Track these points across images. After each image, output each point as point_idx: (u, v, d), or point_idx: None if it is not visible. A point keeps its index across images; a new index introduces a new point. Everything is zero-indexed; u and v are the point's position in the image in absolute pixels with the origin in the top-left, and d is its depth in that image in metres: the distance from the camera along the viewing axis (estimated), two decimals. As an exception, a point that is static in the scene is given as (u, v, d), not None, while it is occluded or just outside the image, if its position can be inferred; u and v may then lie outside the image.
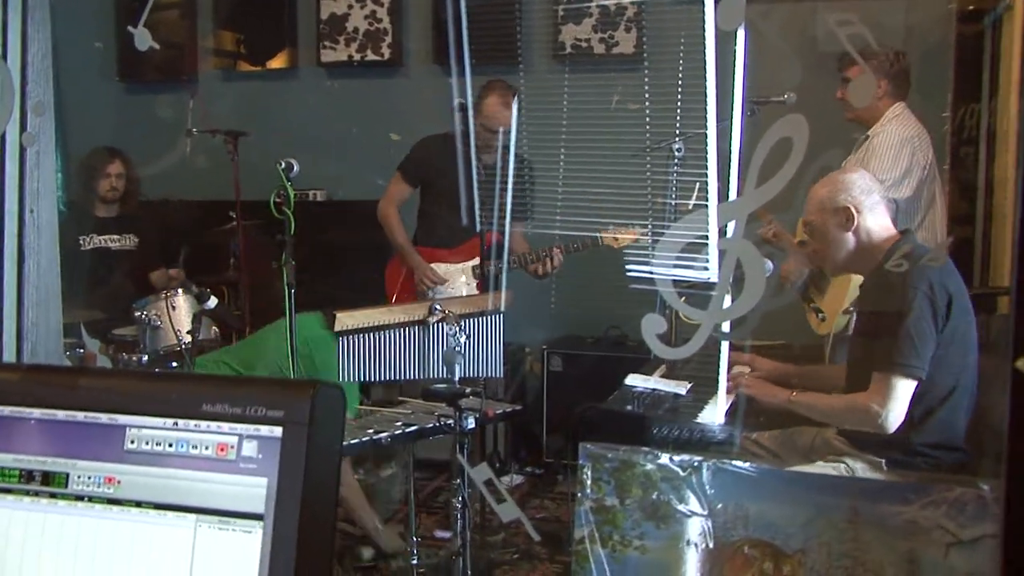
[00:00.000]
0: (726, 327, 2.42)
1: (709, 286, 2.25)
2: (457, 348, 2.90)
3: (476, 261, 4.16)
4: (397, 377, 3.07)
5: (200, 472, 1.07)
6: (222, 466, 1.06)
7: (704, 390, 3.09)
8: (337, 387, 1.09)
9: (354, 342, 2.95)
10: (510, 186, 3.84)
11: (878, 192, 2.81)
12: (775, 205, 1.45)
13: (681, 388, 3.11)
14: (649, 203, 3.67)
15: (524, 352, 4.88)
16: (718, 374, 2.92)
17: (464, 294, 4.16)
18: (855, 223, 2.74)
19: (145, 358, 3.45)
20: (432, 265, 4.24)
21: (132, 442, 1.09)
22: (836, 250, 2.77)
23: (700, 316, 1.51)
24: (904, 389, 2.56)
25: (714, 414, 2.88)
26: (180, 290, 3.52)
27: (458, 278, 4.26)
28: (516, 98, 4.00)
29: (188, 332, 3.34)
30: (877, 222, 2.76)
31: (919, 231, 3.43)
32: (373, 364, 2.99)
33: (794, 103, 3.61)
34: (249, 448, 1.05)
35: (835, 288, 3.33)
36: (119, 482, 1.09)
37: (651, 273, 2.22)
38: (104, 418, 1.10)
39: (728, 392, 2.94)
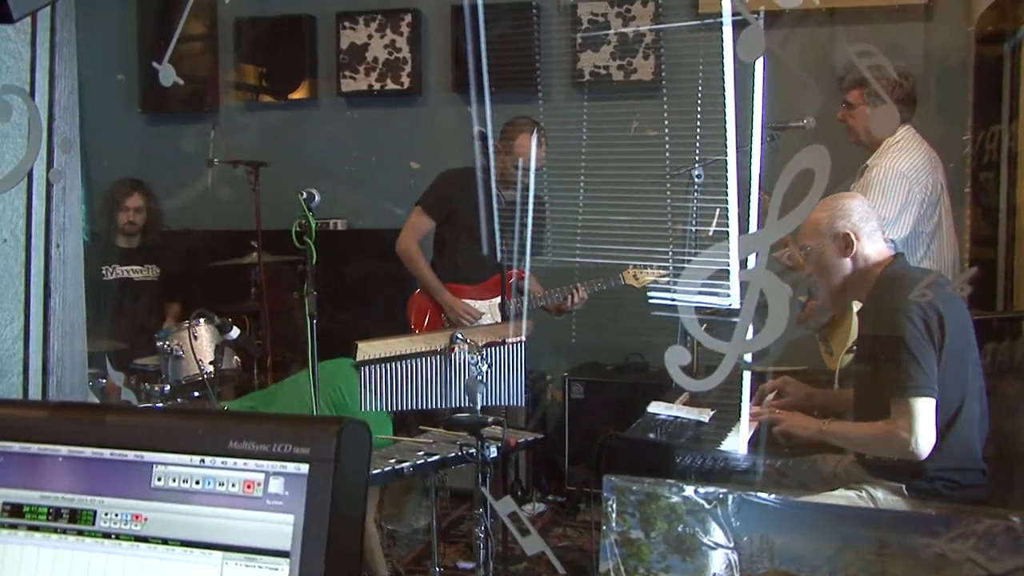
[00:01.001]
0: (748, 357, 2.42)
1: (731, 312, 2.24)
2: (479, 377, 2.92)
3: (498, 298, 4.17)
4: (419, 406, 3.07)
5: (227, 509, 1.07)
6: (249, 503, 1.06)
7: (727, 418, 3.07)
8: (362, 423, 1.09)
9: (375, 371, 2.95)
10: (530, 223, 3.85)
11: (876, 219, 2.80)
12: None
13: (704, 416, 3.09)
14: (669, 230, 3.68)
15: (545, 380, 4.88)
16: (741, 402, 2.91)
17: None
18: (854, 250, 2.73)
19: (167, 388, 3.47)
20: (463, 301, 4.25)
21: (159, 479, 1.10)
22: (833, 276, 2.76)
23: (723, 347, 1.50)
24: (925, 409, 2.54)
25: (737, 442, 2.86)
26: (202, 320, 3.54)
27: (485, 312, 4.27)
28: (539, 132, 4.03)
29: (211, 362, 3.36)
30: (874, 248, 2.76)
31: (923, 264, 3.39)
32: (394, 393, 2.99)
33: (814, 127, 3.63)
34: (276, 485, 1.05)
35: (843, 325, 3.31)
36: (146, 519, 1.10)
37: (673, 301, 2.21)
38: (131, 455, 1.11)
39: (752, 419, 2.92)
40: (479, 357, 2.95)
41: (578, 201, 3.96)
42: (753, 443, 2.90)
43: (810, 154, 1.31)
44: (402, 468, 2.88)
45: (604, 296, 4.28)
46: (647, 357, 4.67)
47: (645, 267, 4.01)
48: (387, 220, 4.76)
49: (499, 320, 4.16)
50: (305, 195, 3.01)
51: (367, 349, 2.94)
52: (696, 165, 3.64)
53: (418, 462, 2.92)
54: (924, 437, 2.54)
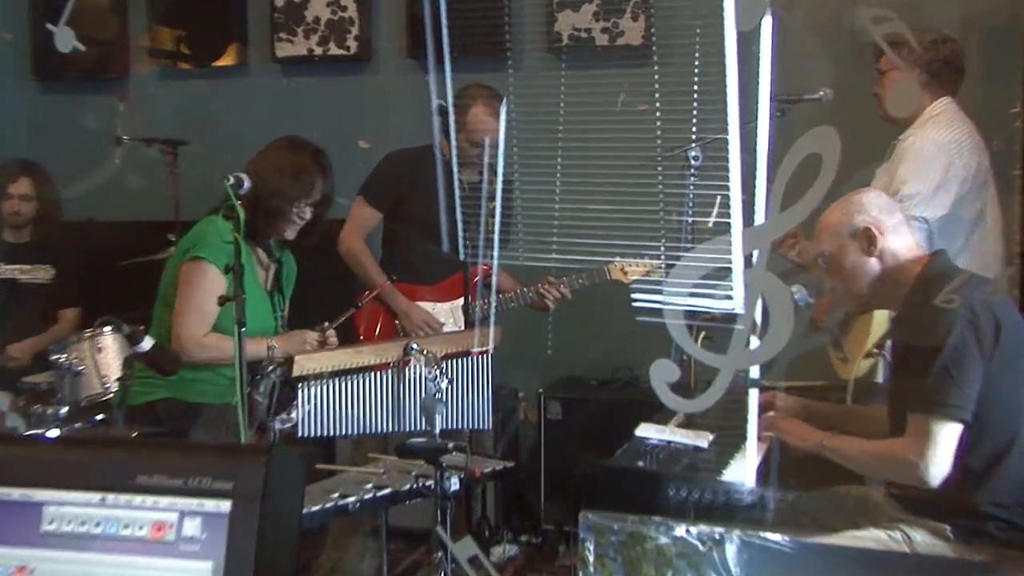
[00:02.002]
0: (755, 371, 2.44)
1: (734, 318, 2.26)
2: (437, 395, 2.93)
3: (462, 300, 4.16)
4: (366, 430, 3.08)
5: (132, 557, 1.06)
6: (159, 549, 1.05)
7: (730, 443, 3.09)
8: (296, 453, 1.09)
9: (314, 389, 2.95)
10: (498, 210, 3.85)
11: (900, 212, 2.83)
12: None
13: (702, 440, 3.11)
14: (661, 222, 3.69)
15: (517, 398, 4.88)
16: (746, 424, 2.92)
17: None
18: (878, 246, 2.76)
19: (64, 411, 3.43)
20: (417, 304, 4.25)
21: (50, 522, 1.08)
22: (859, 280, 2.79)
23: (717, 361, 1.52)
24: (946, 435, 2.54)
25: (742, 472, 2.87)
26: (108, 329, 3.51)
27: (443, 320, 4.27)
28: (504, 103, 4.03)
29: (118, 379, 3.34)
30: (902, 243, 2.78)
31: (962, 257, 3.37)
32: (338, 415, 2.99)
33: (831, 101, 3.65)
34: (191, 527, 1.05)
35: (859, 325, 3.33)
36: (32, 571, 1.08)
37: (663, 304, 2.24)
38: (16, 494, 1.09)
39: (761, 442, 2.95)
40: (438, 371, 2.96)
41: (555, 186, 3.96)
42: (762, 473, 2.91)
43: (816, 137, 1.32)
44: (346, 504, 2.86)
45: (587, 297, 4.30)
46: (638, 370, 4.68)
47: (636, 260, 4.03)
48: (333, 209, 4.76)
49: (461, 327, 4.16)
50: (233, 180, 3.00)
51: (305, 362, 2.95)
52: (693, 145, 3.64)
53: (365, 497, 2.90)
54: (937, 464, 2.53)
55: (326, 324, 3.50)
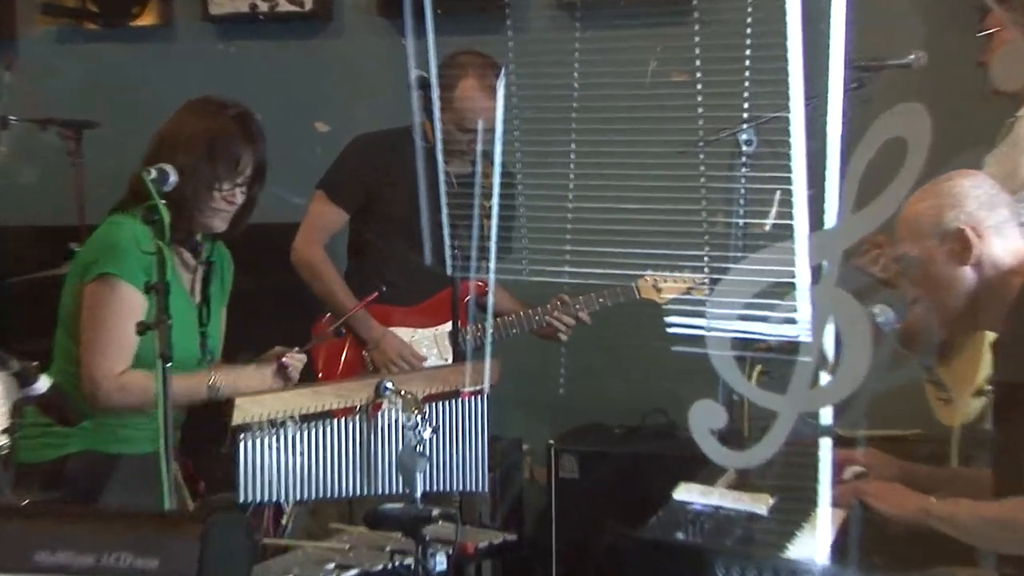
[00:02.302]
0: (827, 415, 2.45)
1: (797, 348, 2.28)
2: (419, 449, 2.92)
3: (449, 326, 4.17)
4: (327, 494, 3.08)
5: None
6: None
7: (796, 509, 3.08)
8: (240, 524, 1.10)
9: (260, 442, 2.95)
10: (495, 211, 3.86)
11: (1007, 206, 2.82)
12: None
13: (760, 506, 3.11)
14: (704, 225, 3.69)
15: (521, 451, 4.91)
16: (817, 484, 2.92)
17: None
18: (975, 252, 2.76)
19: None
20: (391, 330, 4.27)
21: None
22: (948, 295, 2.79)
23: (777, 404, 1.54)
24: None
25: (813, 547, 2.87)
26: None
27: (425, 351, 4.30)
28: (502, 75, 4.04)
29: (4, 430, 3.34)
30: (1007, 247, 2.78)
31: None
32: (291, 476, 2.99)
33: (923, 67, 3.66)
34: (106, 617, 1.05)
35: (965, 354, 3.33)
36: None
37: (706, 330, 2.26)
38: None
39: (836, 505, 2.94)
40: (419, 417, 2.95)
41: (567, 181, 3.96)
42: (838, 549, 2.88)
43: (900, 117, 1.33)
44: (304, 588, 2.87)
45: (609, 321, 4.31)
46: (675, 415, 4.69)
47: (673, 274, 4.05)
48: (280, 211, 4.75)
49: (449, 359, 4.16)
50: (155, 173, 3.00)
51: (248, 406, 2.94)
52: (744, 127, 3.66)
53: (327, 579, 2.91)
54: None
55: (297, 349, 3.49)
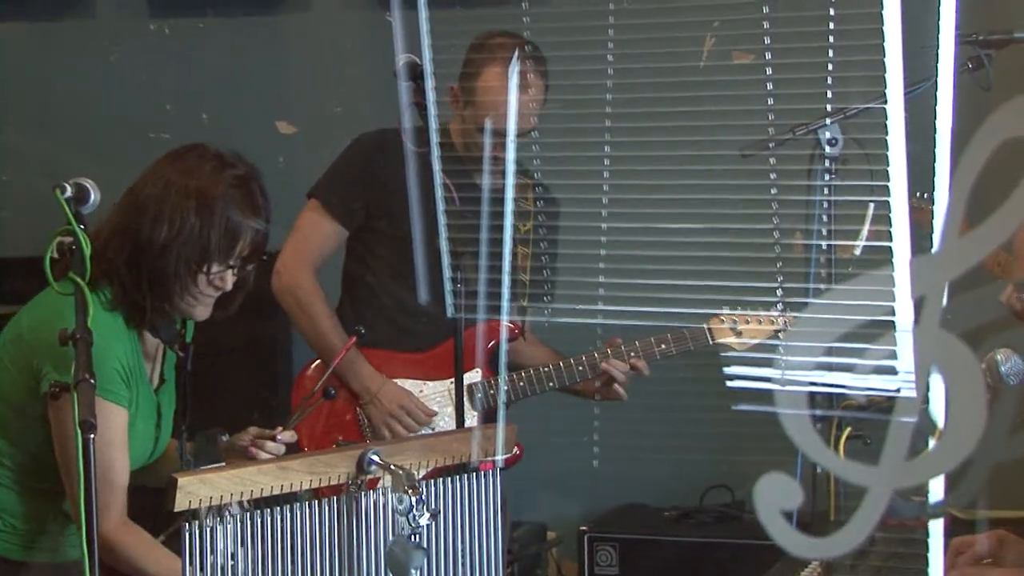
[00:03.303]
0: (936, 491, 2.45)
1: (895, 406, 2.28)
2: (415, 539, 2.92)
3: (476, 375, 4.19)
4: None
5: None
6: None
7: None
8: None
9: (213, 533, 2.92)
10: (507, 238, 3.86)
11: None
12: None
13: (852, 608, 3.11)
14: (776, 248, 3.69)
15: (545, 541, 4.91)
16: (926, 576, 2.93)
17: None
18: None
19: None
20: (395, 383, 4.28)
21: None
22: None
23: (863, 476, 1.53)
24: None
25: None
26: None
27: (438, 408, 4.31)
28: (514, 62, 4.06)
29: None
30: None
31: None
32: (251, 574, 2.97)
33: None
34: None
35: None
36: None
37: (774, 383, 2.26)
38: None
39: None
40: (413, 500, 2.94)
41: (599, 195, 3.95)
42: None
43: (1015, 112, 1.33)
44: None
45: (656, 373, 4.29)
46: (741, 492, 4.72)
47: (757, 311, 4.05)
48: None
49: (471, 421, 4.17)
50: (70, 190, 3.01)
51: (193, 487, 2.93)
52: (827, 122, 3.65)
53: None
54: None
55: (279, 431, 3.47)
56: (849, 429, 3.26)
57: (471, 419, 4.20)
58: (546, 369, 4.22)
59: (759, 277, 3.67)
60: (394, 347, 4.26)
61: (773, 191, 3.65)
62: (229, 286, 3.41)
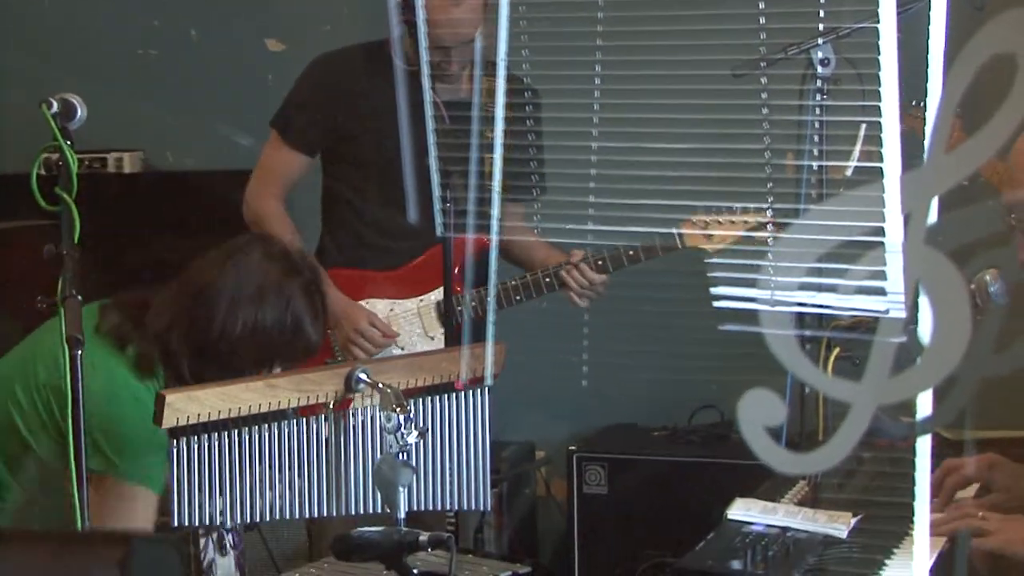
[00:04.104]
0: (924, 408, 2.45)
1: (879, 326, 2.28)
2: (403, 457, 2.93)
3: (438, 294, 4.18)
4: (283, 515, 3.10)
5: None
6: None
7: (884, 530, 3.10)
8: (169, 544, 1.10)
9: (197, 448, 2.96)
10: (498, 149, 3.84)
11: None
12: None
13: (838, 527, 3.12)
14: (767, 169, 3.67)
15: (533, 459, 4.94)
16: (912, 499, 2.93)
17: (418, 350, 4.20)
18: None
19: None
20: (366, 303, 4.27)
21: None
22: None
23: (847, 392, 1.54)
24: None
25: (906, 579, 2.89)
26: None
27: (407, 327, 4.31)
28: None
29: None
30: None
31: None
32: (236, 491, 3.00)
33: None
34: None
35: None
36: None
37: (760, 302, 2.27)
38: None
39: (938, 532, 2.95)
40: (401, 417, 2.95)
41: (589, 114, 3.91)
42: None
43: (1003, 28, 1.32)
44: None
45: (645, 291, 4.32)
46: (730, 412, 4.71)
47: (728, 211, 4.02)
48: (222, 155, 4.80)
49: (436, 338, 4.21)
50: (56, 106, 3.00)
51: (180, 404, 2.94)
52: (819, 41, 3.63)
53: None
54: None
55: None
56: (838, 349, 3.29)
57: (440, 334, 4.24)
58: (513, 283, 4.21)
59: (750, 198, 3.70)
60: (367, 266, 4.26)
61: (764, 111, 3.64)
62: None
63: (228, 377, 3.18)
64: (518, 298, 4.20)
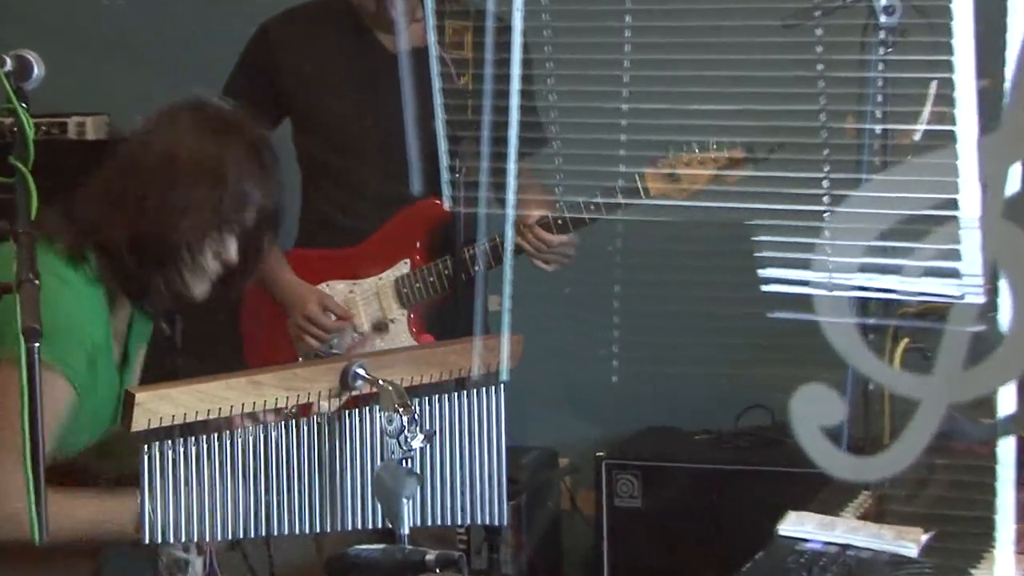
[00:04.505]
0: (1006, 404, 2.46)
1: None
2: (407, 465, 2.94)
3: (404, 267, 4.25)
4: (271, 530, 3.11)
5: None
6: None
7: (962, 549, 3.10)
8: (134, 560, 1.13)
9: (169, 455, 2.98)
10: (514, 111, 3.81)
11: None
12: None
13: (907, 545, 3.12)
14: (823, 131, 3.65)
15: (556, 467, 4.98)
16: (993, 512, 2.94)
17: (403, 343, 4.26)
18: None
19: None
20: (326, 286, 4.34)
21: None
22: None
23: (920, 389, 1.54)
24: None
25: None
26: None
27: (367, 309, 4.36)
28: None
29: None
30: None
31: None
32: (216, 506, 3.02)
33: None
34: None
35: None
36: None
37: (817, 284, 2.27)
38: None
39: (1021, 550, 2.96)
40: (405, 419, 2.96)
41: (619, 72, 3.91)
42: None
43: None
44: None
45: (683, 272, 4.38)
46: (781, 413, 4.64)
47: (698, 151, 3.98)
48: None
49: (396, 321, 4.27)
50: (9, 63, 2.99)
51: (152, 403, 2.96)
52: (881, -18, 3.61)
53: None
54: None
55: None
56: (906, 340, 3.27)
57: (400, 316, 4.31)
58: (471, 252, 4.22)
59: (804, 166, 3.60)
60: (326, 244, 4.37)
61: (819, 67, 3.60)
62: (233, 257, 3.42)
63: (170, 261, 3.30)
64: (476, 269, 4.22)
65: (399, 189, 4.14)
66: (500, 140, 3.79)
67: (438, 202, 4.15)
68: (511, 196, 3.89)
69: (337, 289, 4.35)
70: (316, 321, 4.28)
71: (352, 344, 4.29)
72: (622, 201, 4.05)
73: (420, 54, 4.08)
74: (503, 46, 3.84)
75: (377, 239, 4.34)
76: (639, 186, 4.03)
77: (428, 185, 4.04)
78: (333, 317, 4.30)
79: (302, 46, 4.35)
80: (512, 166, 3.77)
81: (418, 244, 4.27)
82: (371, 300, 4.35)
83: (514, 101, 3.74)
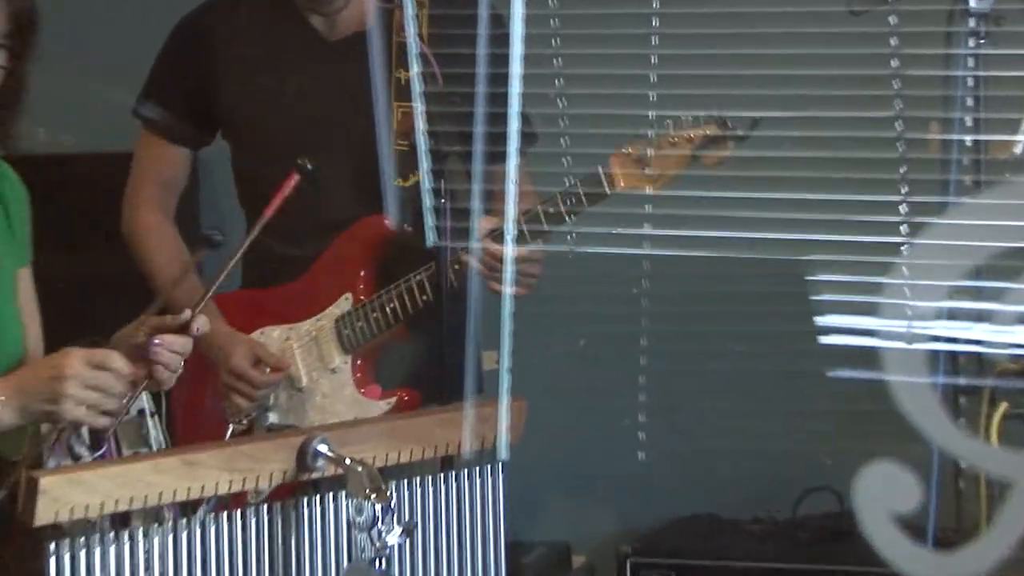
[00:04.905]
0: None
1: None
2: (381, 566, 2.97)
3: (346, 303, 4.23)
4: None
5: None
6: None
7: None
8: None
9: (89, 558, 2.89)
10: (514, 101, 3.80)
11: None
12: None
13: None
14: (899, 143, 3.68)
15: (568, 566, 4.93)
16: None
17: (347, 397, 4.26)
18: None
19: None
20: (260, 333, 4.35)
21: None
22: None
23: (1014, 467, 1.50)
24: None
25: None
26: None
27: (306, 357, 4.33)
28: None
29: None
30: None
31: None
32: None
33: None
34: None
35: None
36: None
37: (889, 333, 2.19)
38: None
39: None
40: (378, 508, 2.93)
41: (648, 71, 3.87)
42: None
43: None
44: None
45: (723, 315, 4.35)
46: (851, 497, 4.64)
47: (671, 128, 3.91)
48: (114, 133, 4.97)
49: (339, 369, 4.30)
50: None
51: (59, 490, 2.89)
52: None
53: None
54: None
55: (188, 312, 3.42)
56: (1005, 405, 3.17)
57: (344, 364, 4.30)
58: (418, 278, 4.18)
59: (877, 186, 3.65)
60: (264, 283, 4.43)
61: (895, 64, 3.66)
62: None
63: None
64: (424, 298, 4.18)
65: (341, 207, 4.19)
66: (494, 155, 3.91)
67: (382, 219, 4.18)
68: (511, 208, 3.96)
69: (272, 337, 4.37)
70: (244, 375, 4.27)
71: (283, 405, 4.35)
72: (582, 191, 4.03)
73: (361, 41, 4.17)
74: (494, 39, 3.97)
75: (314, 272, 4.35)
76: (601, 173, 4.02)
77: (371, 200, 4.11)
78: (268, 370, 4.27)
79: (220, 49, 4.42)
80: (512, 187, 3.87)
81: (362, 273, 4.28)
82: (310, 347, 4.36)
83: (514, 103, 3.82)
